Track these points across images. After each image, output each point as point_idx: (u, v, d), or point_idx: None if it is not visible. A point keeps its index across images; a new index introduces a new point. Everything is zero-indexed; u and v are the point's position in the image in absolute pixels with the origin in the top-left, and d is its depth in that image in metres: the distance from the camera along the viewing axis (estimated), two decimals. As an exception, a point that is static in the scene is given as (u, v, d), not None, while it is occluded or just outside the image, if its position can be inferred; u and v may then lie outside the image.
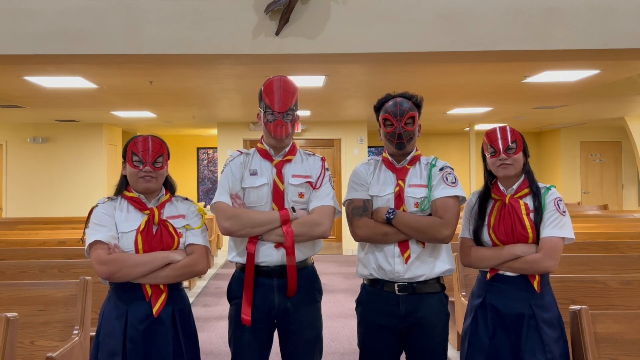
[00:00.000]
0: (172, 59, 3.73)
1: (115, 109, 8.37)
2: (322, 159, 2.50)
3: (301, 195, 2.39)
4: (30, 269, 3.85)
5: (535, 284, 2.33)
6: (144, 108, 8.41)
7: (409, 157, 2.44)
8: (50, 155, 10.34)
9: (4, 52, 3.56)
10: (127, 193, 2.31)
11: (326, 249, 10.02)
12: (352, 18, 3.59)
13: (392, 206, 2.38)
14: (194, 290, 7.15)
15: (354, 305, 2.55)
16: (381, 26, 3.59)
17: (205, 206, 11.63)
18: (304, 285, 2.37)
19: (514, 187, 2.41)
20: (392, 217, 2.33)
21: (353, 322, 2.54)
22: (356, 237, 2.42)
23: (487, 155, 2.44)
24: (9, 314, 2.52)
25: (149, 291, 2.21)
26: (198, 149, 14.10)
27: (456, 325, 4.21)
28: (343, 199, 2.50)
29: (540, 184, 2.43)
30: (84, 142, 10.37)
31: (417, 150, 2.48)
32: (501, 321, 2.35)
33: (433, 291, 2.39)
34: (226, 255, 9.34)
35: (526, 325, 2.31)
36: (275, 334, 2.42)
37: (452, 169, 2.44)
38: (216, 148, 11.84)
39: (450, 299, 4.13)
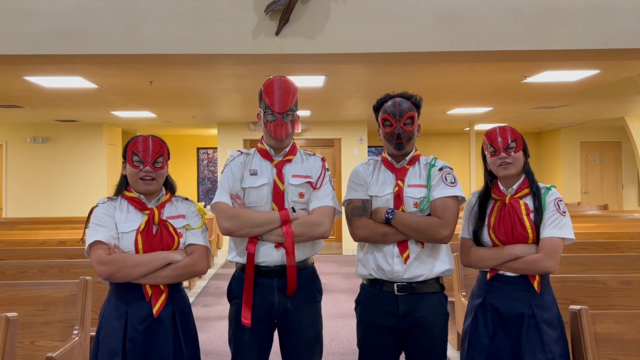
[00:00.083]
0: (172, 59, 3.73)
1: (115, 109, 8.37)
2: (323, 159, 2.50)
3: (301, 195, 2.39)
4: (30, 269, 3.85)
5: (535, 284, 2.33)
6: (144, 108, 8.41)
7: (408, 157, 2.44)
8: (50, 155, 10.34)
9: (4, 52, 3.56)
10: (127, 193, 2.31)
11: (326, 249, 10.02)
12: (352, 18, 3.59)
13: (391, 206, 2.37)
14: (194, 290, 7.15)
15: (354, 305, 2.55)
16: (381, 26, 3.59)
17: (205, 206, 11.63)
18: (304, 285, 2.37)
19: (514, 187, 2.41)
20: (391, 217, 2.33)
21: (353, 322, 2.54)
22: (355, 237, 2.42)
23: (487, 155, 2.44)
24: (9, 314, 2.52)
25: (149, 291, 2.21)
26: (198, 149, 14.10)
27: (456, 325, 4.21)
28: (342, 199, 2.50)
29: (541, 184, 2.43)
30: (84, 142, 10.37)
31: (416, 150, 2.48)
32: (501, 321, 2.35)
33: (432, 291, 2.39)
34: (226, 255, 9.34)
35: (526, 325, 2.31)
36: (275, 334, 2.42)
37: (452, 169, 2.44)
38: (216, 148, 11.84)
39: (450, 299, 4.14)
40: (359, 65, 5.31)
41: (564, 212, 2.36)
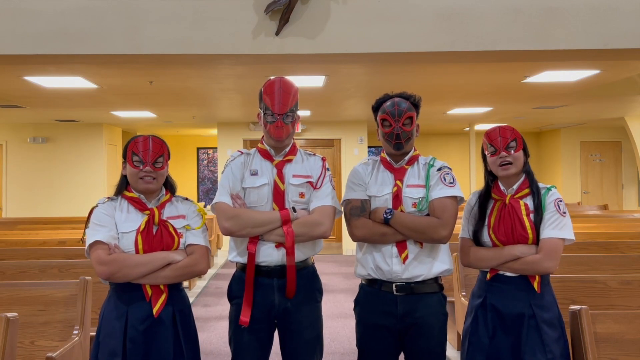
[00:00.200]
0: (172, 59, 3.73)
1: (115, 109, 8.37)
2: (323, 159, 2.50)
3: (302, 195, 2.39)
4: (30, 269, 3.85)
5: (535, 285, 2.33)
6: (144, 108, 8.41)
7: (407, 157, 2.44)
8: (50, 155, 10.34)
9: (4, 52, 3.56)
10: (127, 193, 2.31)
11: (326, 249, 10.03)
12: (352, 18, 3.59)
13: (390, 206, 2.37)
14: (194, 290, 7.15)
15: (353, 305, 2.55)
16: (381, 26, 3.59)
17: (205, 206, 11.63)
18: (305, 285, 2.37)
19: (515, 187, 2.41)
20: (389, 217, 2.33)
21: (353, 322, 2.54)
22: (354, 238, 2.42)
23: (488, 155, 2.44)
24: (9, 314, 2.52)
25: (149, 291, 2.21)
26: (198, 149, 14.10)
27: (456, 325, 4.21)
28: (341, 199, 2.50)
29: (541, 185, 2.42)
30: (84, 142, 10.37)
31: (415, 150, 2.48)
32: (501, 321, 2.35)
33: (431, 291, 2.39)
34: (226, 255, 9.32)
35: (526, 325, 2.30)
36: (276, 334, 2.42)
37: (450, 169, 2.44)
38: (216, 148, 11.84)
39: (450, 299, 4.15)
40: (359, 65, 5.31)
41: (564, 213, 2.36)
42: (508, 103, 8.06)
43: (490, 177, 2.49)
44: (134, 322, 2.19)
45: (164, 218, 2.28)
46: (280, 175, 2.38)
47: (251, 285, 2.32)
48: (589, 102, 8.00)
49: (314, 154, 2.52)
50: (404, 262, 2.34)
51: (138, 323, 2.19)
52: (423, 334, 2.36)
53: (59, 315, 3.01)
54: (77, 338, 2.92)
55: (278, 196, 2.36)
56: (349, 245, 10.19)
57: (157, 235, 2.24)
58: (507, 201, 2.38)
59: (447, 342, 2.60)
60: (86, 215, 2.33)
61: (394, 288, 2.36)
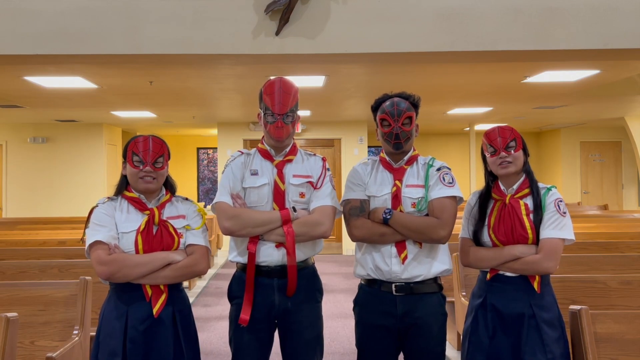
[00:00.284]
0: (172, 59, 3.73)
1: (115, 109, 8.37)
2: (323, 159, 2.50)
3: (302, 195, 2.39)
4: (30, 269, 3.85)
5: (535, 285, 2.33)
6: (144, 108, 8.41)
7: (406, 157, 2.44)
8: (50, 155, 10.34)
9: (4, 52, 3.56)
10: (127, 193, 2.31)
11: (326, 249, 10.03)
12: (352, 18, 3.59)
13: (389, 206, 2.37)
14: (194, 290, 7.15)
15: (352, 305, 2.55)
16: (381, 26, 3.59)
17: (205, 206, 11.63)
18: (305, 285, 2.37)
19: (515, 186, 2.41)
20: (389, 217, 2.33)
21: (353, 322, 2.54)
22: (353, 238, 2.42)
23: (487, 155, 2.44)
24: (9, 314, 2.52)
25: (149, 291, 2.21)
26: (198, 149, 14.10)
27: (456, 325, 4.21)
28: (341, 199, 2.50)
29: (541, 185, 2.42)
30: (84, 142, 10.37)
31: (414, 150, 2.48)
32: (501, 321, 2.35)
33: (430, 291, 2.39)
34: (226, 255, 9.31)
35: (526, 326, 2.30)
36: (276, 334, 2.42)
37: (450, 169, 2.44)
38: (216, 148, 11.84)
39: (450, 299, 4.14)
40: (359, 65, 5.31)
41: (564, 213, 2.36)
42: (508, 103, 8.06)
43: (491, 178, 2.49)
44: (134, 322, 2.19)
45: (164, 218, 2.28)
46: (280, 175, 2.38)
47: (251, 285, 2.32)
48: (589, 102, 8.00)
49: (314, 154, 2.52)
50: (403, 262, 2.34)
51: (138, 323, 2.19)
52: (422, 334, 2.36)
53: (59, 315, 3.00)
54: (77, 338, 2.92)
55: (278, 196, 2.36)
56: (349, 245, 10.19)
57: (157, 236, 2.24)
58: (507, 201, 2.38)
59: (447, 342, 2.60)
60: (86, 215, 2.32)
61: (394, 288, 2.36)
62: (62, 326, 2.98)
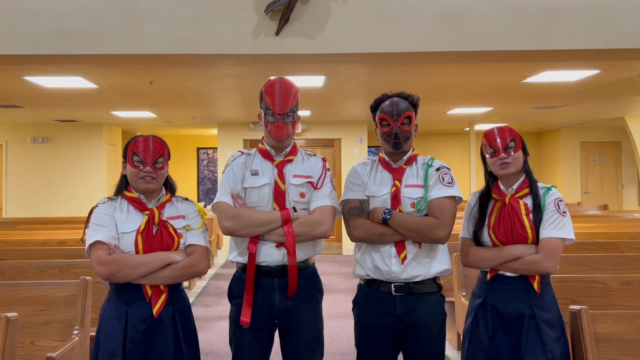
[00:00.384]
0: (172, 59, 3.73)
1: (115, 109, 8.37)
2: (323, 159, 2.50)
3: (302, 195, 2.39)
4: (30, 269, 3.85)
5: (535, 285, 2.33)
6: (144, 108, 8.41)
7: (405, 157, 2.44)
8: (50, 155, 10.34)
9: (4, 52, 3.56)
10: (127, 193, 2.31)
11: (326, 249, 10.03)
12: (352, 18, 3.59)
13: (389, 206, 2.37)
14: (194, 290, 7.15)
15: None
16: (381, 26, 3.59)
17: (205, 206, 11.63)
18: (305, 286, 2.37)
19: (514, 186, 2.41)
20: (388, 217, 2.33)
21: (353, 322, 2.54)
22: (352, 238, 2.42)
23: (487, 156, 2.44)
24: (9, 314, 2.52)
25: (149, 292, 2.21)
26: (198, 149, 14.10)
27: (456, 325, 4.21)
28: (340, 199, 2.50)
29: (541, 184, 2.42)
30: (84, 142, 10.37)
31: (413, 150, 2.48)
32: (501, 321, 2.35)
33: (430, 291, 2.39)
34: (226, 255, 9.30)
35: (526, 326, 2.30)
36: (276, 334, 2.42)
37: (449, 169, 2.44)
38: (216, 148, 11.84)
39: (450, 299, 4.14)
40: (359, 65, 5.31)
41: (564, 212, 2.36)
42: (508, 103, 8.06)
43: (490, 178, 2.49)
44: (134, 322, 2.19)
45: (164, 218, 2.28)
46: (281, 175, 2.38)
47: (251, 285, 2.32)
48: (589, 102, 8.00)
49: (315, 154, 2.53)
50: (402, 263, 2.34)
51: (138, 323, 2.19)
52: (422, 334, 2.36)
53: (59, 315, 3.00)
54: (77, 338, 2.92)
55: (279, 196, 2.36)
56: (349, 245, 10.19)
57: (157, 236, 2.24)
58: (506, 201, 2.38)
59: (447, 342, 2.60)
60: (86, 215, 2.32)
61: (393, 288, 2.36)
62: (62, 326, 2.98)
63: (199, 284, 7.53)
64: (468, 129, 11.33)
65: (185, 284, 6.46)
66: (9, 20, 3.54)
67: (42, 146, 10.34)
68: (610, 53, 3.73)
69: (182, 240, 2.29)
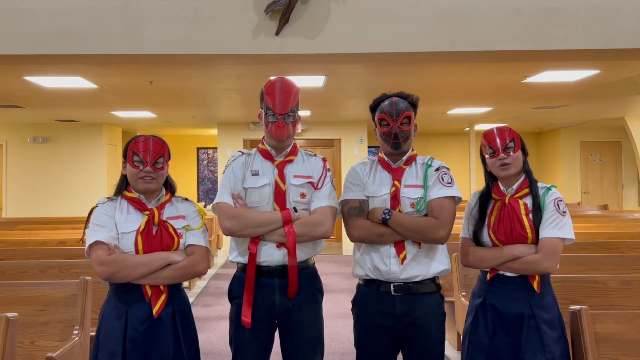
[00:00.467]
0: (172, 59, 3.73)
1: (115, 109, 8.37)
2: (324, 160, 2.50)
3: (303, 195, 2.39)
4: (30, 269, 3.85)
5: (535, 285, 2.33)
6: (144, 108, 8.41)
7: (404, 157, 2.44)
8: (50, 155, 10.34)
9: (4, 52, 3.56)
10: (127, 193, 2.31)
11: (326, 249, 10.03)
12: (352, 18, 3.59)
13: (388, 207, 2.37)
14: (194, 290, 7.15)
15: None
16: (381, 26, 3.59)
17: (205, 206, 11.63)
18: (305, 286, 2.37)
19: (514, 187, 2.41)
20: (388, 217, 2.32)
21: (353, 322, 2.54)
22: (352, 238, 2.42)
23: (487, 156, 2.44)
24: (9, 314, 2.52)
25: (149, 292, 2.21)
26: (198, 149, 14.10)
27: (456, 326, 4.21)
28: (339, 199, 2.50)
29: (541, 184, 2.42)
30: (84, 142, 10.37)
31: (413, 150, 2.48)
32: (501, 321, 2.35)
33: (429, 291, 2.39)
34: (226, 255, 9.30)
35: (526, 326, 2.30)
36: (276, 334, 2.42)
37: (448, 169, 2.44)
38: (216, 148, 11.84)
39: (450, 299, 4.14)
40: (359, 65, 5.31)
41: (564, 212, 2.35)
42: (508, 103, 8.06)
43: (490, 178, 2.49)
44: (134, 323, 2.19)
45: (164, 218, 2.28)
46: (281, 175, 2.38)
47: (252, 285, 2.32)
48: (589, 102, 8.00)
49: (315, 155, 2.53)
50: (402, 263, 2.34)
51: (138, 323, 2.19)
52: (421, 334, 2.35)
53: (59, 315, 3.00)
54: (77, 338, 2.92)
55: (279, 196, 2.36)
56: (349, 245, 10.19)
57: (157, 236, 2.24)
58: (506, 201, 2.38)
59: (447, 342, 2.60)
60: (86, 215, 2.32)
61: (392, 288, 2.36)
62: (62, 326, 2.98)
63: (199, 284, 7.53)
64: (468, 129, 11.33)
65: (185, 284, 6.47)
66: (9, 20, 3.54)
67: (42, 146, 10.34)
68: (610, 53, 3.73)
69: (182, 241, 2.29)
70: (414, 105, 2.43)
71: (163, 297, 2.22)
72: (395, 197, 2.37)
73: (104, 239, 2.19)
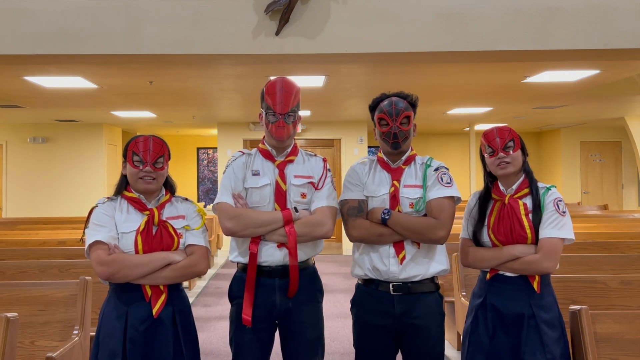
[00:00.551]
0: (172, 59, 3.73)
1: (115, 109, 8.37)
2: (324, 160, 2.50)
3: (303, 195, 2.39)
4: (30, 269, 3.85)
5: (535, 285, 2.33)
6: (144, 108, 8.41)
7: (404, 157, 2.44)
8: (50, 155, 10.34)
9: (4, 52, 3.56)
10: (127, 193, 2.31)
11: (326, 249, 10.03)
12: (352, 18, 3.59)
13: (387, 207, 2.37)
14: (194, 290, 7.15)
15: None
16: (381, 26, 3.59)
17: (205, 206, 11.62)
18: (306, 286, 2.37)
19: (514, 187, 2.41)
20: (387, 217, 2.32)
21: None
22: (351, 238, 2.42)
23: (486, 156, 2.44)
24: (9, 314, 2.52)
25: (149, 292, 2.21)
26: (198, 149, 14.10)
27: (456, 326, 4.21)
28: (338, 199, 2.50)
29: (541, 184, 2.42)
30: (84, 142, 10.37)
31: (412, 150, 2.48)
32: (501, 321, 2.35)
33: (428, 291, 2.39)
34: (226, 255, 9.30)
35: (526, 326, 2.30)
36: (277, 334, 2.42)
37: (447, 169, 2.43)
38: (216, 148, 11.84)
39: (450, 299, 4.15)
40: (359, 65, 5.31)
41: (564, 212, 2.35)
42: (508, 103, 8.06)
43: (490, 178, 2.49)
44: (134, 323, 2.19)
45: (164, 218, 2.28)
46: (282, 175, 2.38)
47: (252, 286, 2.32)
48: (589, 102, 8.00)
49: (315, 155, 2.53)
50: (401, 263, 2.34)
51: (138, 323, 2.19)
52: (420, 334, 2.35)
53: (59, 315, 3.01)
54: (77, 338, 2.92)
55: (280, 196, 2.36)
56: (348, 245, 10.19)
57: (157, 236, 2.24)
58: (506, 201, 2.38)
59: (447, 342, 2.60)
60: (86, 215, 2.32)
61: (391, 288, 2.36)
62: (62, 326, 2.98)
63: (199, 284, 7.53)
64: (468, 129, 11.33)
65: (185, 284, 6.47)
66: (9, 20, 3.54)
67: (42, 146, 10.34)
68: (610, 53, 3.73)
69: (182, 241, 2.29)
70: (413, 105, 2.43)
71: (163, 297, 2.22)
72: (394, 197, 2.37)
73: (103, 238, 2.19)
